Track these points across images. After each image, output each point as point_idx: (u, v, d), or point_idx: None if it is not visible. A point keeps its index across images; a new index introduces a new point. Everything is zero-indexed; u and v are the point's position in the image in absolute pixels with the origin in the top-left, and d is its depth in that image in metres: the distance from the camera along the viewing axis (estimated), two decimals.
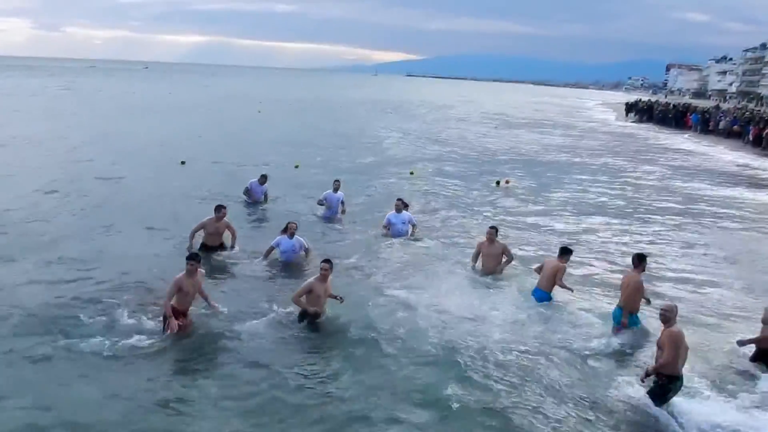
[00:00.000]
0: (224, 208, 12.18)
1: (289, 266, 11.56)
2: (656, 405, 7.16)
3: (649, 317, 9.49)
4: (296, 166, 22.59)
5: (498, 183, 22.31)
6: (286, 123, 40.80)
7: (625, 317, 9.16)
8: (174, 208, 15.80)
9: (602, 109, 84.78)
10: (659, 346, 7.23)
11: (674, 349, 7.06)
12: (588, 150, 35.66)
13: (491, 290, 10.91)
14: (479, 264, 11.63)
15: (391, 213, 13.71)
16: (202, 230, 12.02)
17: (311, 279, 9.19)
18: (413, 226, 13.73)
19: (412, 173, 22.67)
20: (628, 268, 9.91)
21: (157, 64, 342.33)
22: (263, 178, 16.58)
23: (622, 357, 8.74)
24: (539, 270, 10.57)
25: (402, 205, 13.73)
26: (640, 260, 9.36)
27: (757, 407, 7.44)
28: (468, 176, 23.73)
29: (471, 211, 17.77)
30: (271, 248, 11.63)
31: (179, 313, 8.50)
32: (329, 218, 15.26)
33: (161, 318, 8.49)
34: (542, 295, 10.32)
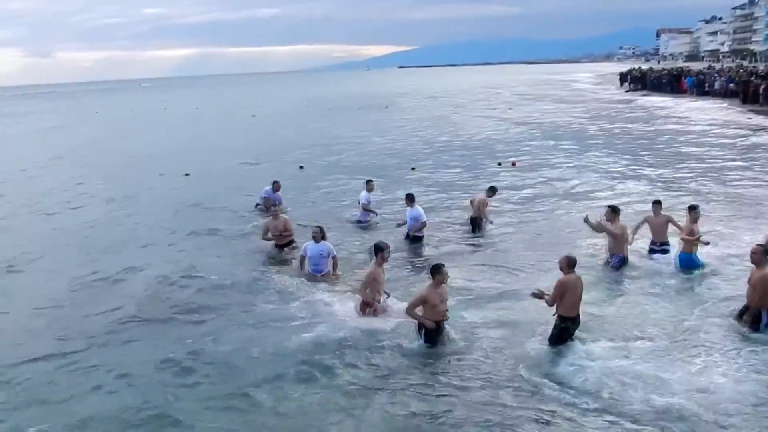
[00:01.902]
0: (275, 205, 12.84)
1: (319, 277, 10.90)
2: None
3: None
4: (300, 167, 22.80)
5: (500, 164, 22.49)
6: (282, 126, 40.90)
7: None
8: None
9: (597, 81, 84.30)
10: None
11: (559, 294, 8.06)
12: (591, 120, 35.71)
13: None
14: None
15: (407, 209, 13.31)
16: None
17: (424, 287, 8.38)
18: (423, 223, 13.03)
19: (413, 169, 22.25)
20: None
21: (149, 79, 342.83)
22: (276, 185, 15.79)
23: None
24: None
25: (410, 201, 13.22)
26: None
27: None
28: (472, 162, 23.50)
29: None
30: (303, 257, 11.08)
31: (368, 304, 9.04)
32: (365, 222, 14.62)
33: (358, 306, 9.10)
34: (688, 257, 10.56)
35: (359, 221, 14.71)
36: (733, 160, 21.96)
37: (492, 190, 14.14)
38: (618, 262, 10.71)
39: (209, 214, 16.59)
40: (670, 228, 11.31)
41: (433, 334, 8.16)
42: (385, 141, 31.16)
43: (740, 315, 8.57)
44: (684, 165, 21.31)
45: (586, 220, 10.90)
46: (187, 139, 36.18)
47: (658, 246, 11.22)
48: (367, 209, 14.70)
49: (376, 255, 9.03)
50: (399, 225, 13.60)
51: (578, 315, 8.14)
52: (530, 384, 7.25)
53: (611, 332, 8.51)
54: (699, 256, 10.67)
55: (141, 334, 9.05)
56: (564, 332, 8.04)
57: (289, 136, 34.71)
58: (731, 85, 43.44)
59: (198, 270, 11.67)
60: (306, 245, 11.00)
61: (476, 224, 13.82)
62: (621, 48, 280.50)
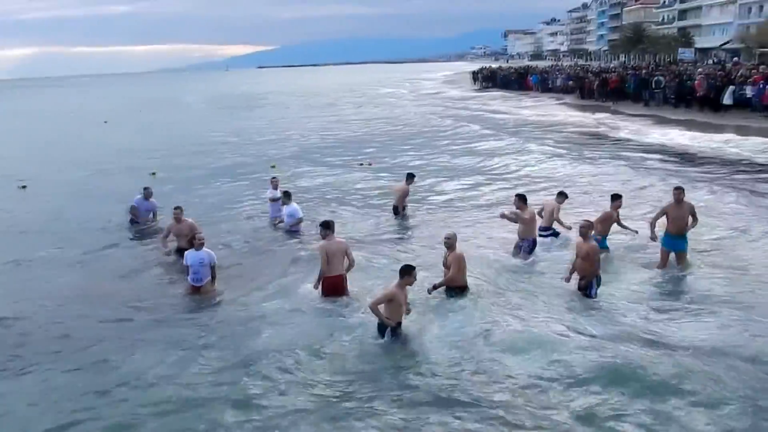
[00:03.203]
0: (178, 207, 12.12)
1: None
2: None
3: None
4: (153, 174, 20.95)
5: (361, 164, 22.79)
6: (132, 131, 38.53)
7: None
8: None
9: (451, 79, 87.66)
10: (447, 266, 9.42)
11: (458, 267, 9.33)
12: (442, 116, 37.12)
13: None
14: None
15: (284, 207, 13.53)
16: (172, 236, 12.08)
17: (391, 286, 8.40)
18: (299, 219, 13.42)
19: (273, 167, 21.86)
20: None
21: None
22: (147, 192, 14.49)
23: None
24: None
25: (287, 198, 13.52)
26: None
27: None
28: (332, 161, 23.75)
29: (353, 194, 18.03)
30: (187, 267, 10.42)
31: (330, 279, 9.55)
32: (275, 219, 14.30)
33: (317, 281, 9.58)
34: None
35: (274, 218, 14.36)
36: (563, 141, 24.75)
37: (410, 177, 14.85)
38: (529, 245, 11.44)
39: (71, 230, 14.74)
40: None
41: (393, 330, 8.28)
42: (242, 142, 30.48)
43: (579, 286, 9.56)
44: (526, 150, 23.60)
45: (502, 215, 11.80)
46: (28, 146, 32.97)
47: (546, 232, 12.18)
48: (276, 201, 14.42)
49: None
50: (276, 224, 13.92)
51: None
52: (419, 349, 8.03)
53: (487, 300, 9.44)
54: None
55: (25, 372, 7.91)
56: (457, 296, 9.34)
57: (144, 140, 32.81)
58: (570, 82, 46.95)
59: (84, 293, 10.68)
60: (186, 254, 10.46)
61: (397, 211, 14.80)
62: (473, 48, 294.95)
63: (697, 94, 30.03)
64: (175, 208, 12.13)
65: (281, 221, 13.74)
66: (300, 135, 32.48)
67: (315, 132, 33.43)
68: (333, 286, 9.52)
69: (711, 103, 29.06)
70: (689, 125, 26.97)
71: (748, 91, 27.48)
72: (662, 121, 29.07)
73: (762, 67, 32.31)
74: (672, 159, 21.05)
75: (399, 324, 8.32)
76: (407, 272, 8.35)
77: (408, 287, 8.46)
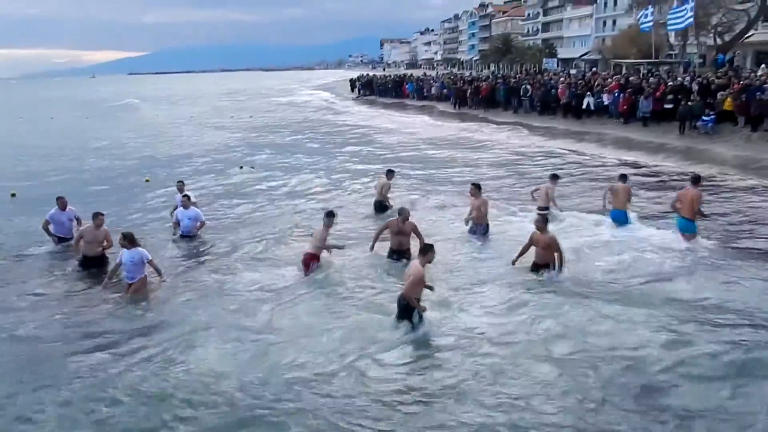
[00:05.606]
0: (102, 214, 11.69)
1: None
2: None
3: None
4: (12, 195, 18.68)
5: (241, 167, 22.82)
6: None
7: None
8: None
9: (330, 86, 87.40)
10: (403, 234, 11.09)
11: (417, 234, 10.88)
12: (317, 122, 36.90)
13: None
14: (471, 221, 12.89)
15: (178, 209, 13.37)
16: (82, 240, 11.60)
17: (418, 267, 8.54)
18: (202, 223, 13.41)
19: (147, 180, 20.78)
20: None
21: None
22: (62, 202, 12.61)
23: None
24: (611, 194, 12.85)
25: (188, 201, 13.35)
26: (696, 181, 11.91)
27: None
28: (213, 169, 23.18)
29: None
30: (118, 264, 10.59)
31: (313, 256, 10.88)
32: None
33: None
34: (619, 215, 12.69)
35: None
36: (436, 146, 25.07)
37: (390, 173, 15.42)
38: (483, 229, 12.65)
39: None
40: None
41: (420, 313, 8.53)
42: (108, 154, 28.45)
43: (533, 269, 10.48)
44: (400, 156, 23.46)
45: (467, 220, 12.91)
46: None
47: (544, 211, 13.05)
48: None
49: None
50: (175, 232, 13.39)
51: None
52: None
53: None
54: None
55: None
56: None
57: None
58: (444, 90, 48.03)
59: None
60: (120, 254, 10.55)
61: (380, 207, 14.99)
62: (350, 56, 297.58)
63: (561, 102, 31.64)
64: (100, 214, 11.64)
65: (178, 224, 13.31)
66: (173, 144, 31.22)
67: (188, 140, 32.28)
68: (305, 260, 10.87)
69: (573, 110, 30.71)
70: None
71: (605, 99, 29.28)
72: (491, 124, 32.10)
73: (616, 76, 34.62)
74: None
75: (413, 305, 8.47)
76: (431, 249, 8.63)
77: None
